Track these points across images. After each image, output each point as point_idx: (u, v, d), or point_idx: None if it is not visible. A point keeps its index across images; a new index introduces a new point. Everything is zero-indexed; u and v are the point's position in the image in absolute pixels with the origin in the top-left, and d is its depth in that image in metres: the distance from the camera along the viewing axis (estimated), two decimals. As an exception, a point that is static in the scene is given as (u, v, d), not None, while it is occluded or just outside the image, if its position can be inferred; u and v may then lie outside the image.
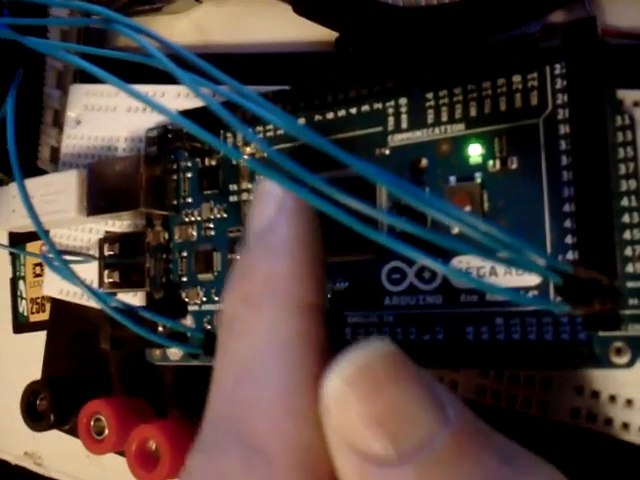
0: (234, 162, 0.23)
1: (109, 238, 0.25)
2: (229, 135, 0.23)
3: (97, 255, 0.25)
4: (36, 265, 0.35)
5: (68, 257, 0.27)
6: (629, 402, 0.19)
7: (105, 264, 0.25)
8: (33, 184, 0.26)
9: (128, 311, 0.21)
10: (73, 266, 0.27)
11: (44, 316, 0.34)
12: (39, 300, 0.34)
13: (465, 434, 0.12)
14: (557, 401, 0.20)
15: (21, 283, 0.35)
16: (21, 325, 0.35)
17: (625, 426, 0.19)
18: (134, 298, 0.27)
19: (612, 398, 0.19)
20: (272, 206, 0.15)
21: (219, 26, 0.28)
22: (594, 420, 0.19)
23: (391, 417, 0.12)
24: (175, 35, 0.29)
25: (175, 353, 0.24)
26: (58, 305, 0.32)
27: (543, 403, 0.20)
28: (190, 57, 0.16)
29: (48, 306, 0.33)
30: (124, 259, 0.25)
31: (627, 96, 0.17)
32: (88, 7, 0.17)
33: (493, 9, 0.21)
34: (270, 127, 0.23)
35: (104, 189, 0.24)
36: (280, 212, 0.15)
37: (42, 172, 0.31)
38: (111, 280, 0.25)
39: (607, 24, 0.21)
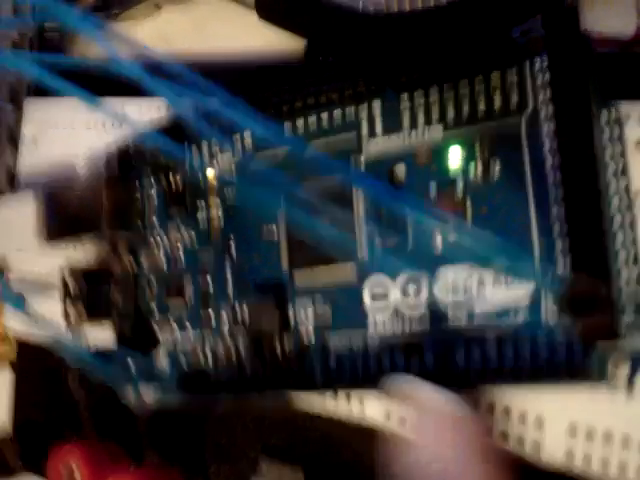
0: (200, 178, 0.24)
1: (72, 268, 0.25)
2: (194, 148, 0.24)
3: (59, 285, 0.25)
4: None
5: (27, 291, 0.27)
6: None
7: (69, 296, 0.25)
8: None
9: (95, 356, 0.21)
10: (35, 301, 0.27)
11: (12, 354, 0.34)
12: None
13: None
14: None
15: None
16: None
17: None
18: (102, 330, 0.27)
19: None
20: None
21: (183, 33, 0.29)
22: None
23: None
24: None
25: (149, 393, 0.24)
26: (23, 349, 0.32)
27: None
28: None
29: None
30: (89, 289, 0.25)
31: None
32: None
33: (468, 16, 0.21)
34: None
35: (64, 212, 0.25)
36: None
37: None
38: (76, 313, 0.25)
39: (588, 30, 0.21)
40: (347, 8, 0.24)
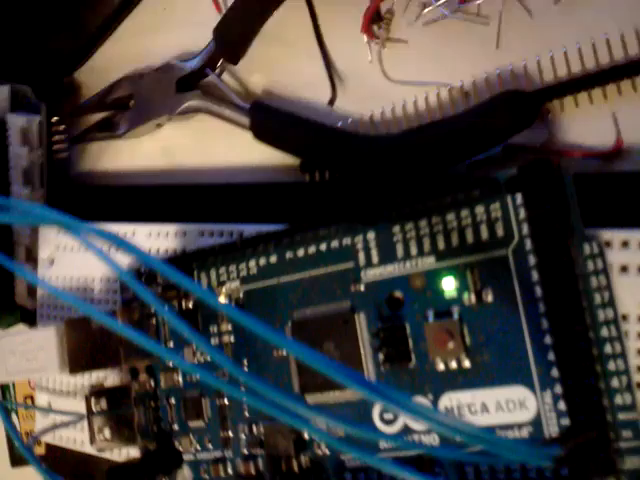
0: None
1: (95, 393, 0.27)
2: (203, 276, 0.25)
3: (84, 410, 0.27)
4: (27, 397, 0.37)
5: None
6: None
7: (94, 420, 0.27)
8: (12, 341, 0.28)
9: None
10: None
11: (41, 449, 0.36)
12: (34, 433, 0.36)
13: None
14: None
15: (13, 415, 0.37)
16: (19, 459, 0.37)
17: None
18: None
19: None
20: None
21: (183, 148, 0.30)
22: None
23: None
24: (142, 158, 0.31)
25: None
26: (53, 447, 0.33)
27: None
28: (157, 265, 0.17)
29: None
30: (112, 412, 0.27)
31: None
32: (50, 218, 0.19)
33: (454, 137, 0.23)
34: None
35: (84, 345, 0.26)
36: None
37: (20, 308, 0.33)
38: (102, 437, 0.26)
39: (567, 143, 0.22)
40: (337, 130, 0.25)
